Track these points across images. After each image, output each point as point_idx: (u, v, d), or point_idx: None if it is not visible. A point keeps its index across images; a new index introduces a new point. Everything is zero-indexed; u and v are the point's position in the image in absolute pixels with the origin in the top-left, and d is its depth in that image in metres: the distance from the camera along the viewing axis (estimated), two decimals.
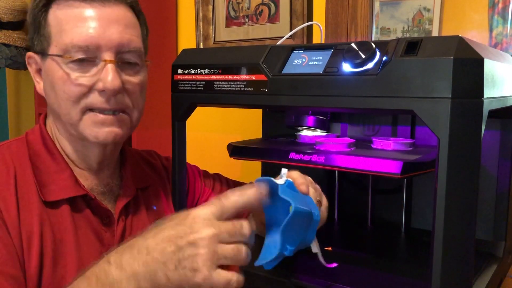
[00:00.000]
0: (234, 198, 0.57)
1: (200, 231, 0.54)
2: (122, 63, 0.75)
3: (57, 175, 0.76)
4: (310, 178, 0.71)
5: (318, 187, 0.72)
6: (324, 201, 0.73)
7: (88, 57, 0.72)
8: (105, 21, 0.73)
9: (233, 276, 0.55)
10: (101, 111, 0.74)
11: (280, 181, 0.62)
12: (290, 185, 0.63)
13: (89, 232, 0.76)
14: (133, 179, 0.86)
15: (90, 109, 0.74)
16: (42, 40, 0.75)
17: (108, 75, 0.72)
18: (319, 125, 0.94)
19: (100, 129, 0.74)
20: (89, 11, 0.73)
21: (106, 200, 0.81)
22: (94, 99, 0.73)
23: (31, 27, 0.77)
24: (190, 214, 0.56)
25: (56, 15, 0.74)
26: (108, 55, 0.72)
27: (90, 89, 0.73)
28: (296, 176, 0.66)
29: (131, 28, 0.76)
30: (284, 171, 0.64)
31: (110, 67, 0.72)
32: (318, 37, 1.34)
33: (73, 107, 0.73)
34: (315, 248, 0.67)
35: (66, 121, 0.75)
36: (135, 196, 0.84)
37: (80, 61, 0.72)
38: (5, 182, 0.72)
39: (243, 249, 0.56)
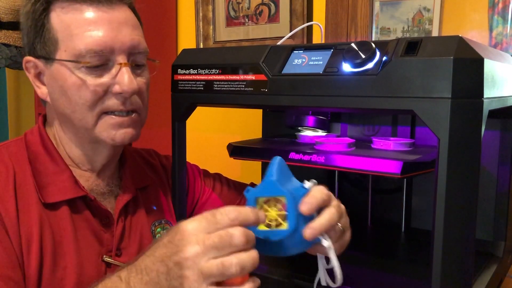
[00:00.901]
0: (228, 211, 0.52)
1: (185, 249, 0.51)
2: (133, 64, 0.75)
3: (56, 176, 0.76)
4: (343, 207, 0.65)
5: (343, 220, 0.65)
6: (346, 235, 0.66)
7: (102, 62, 0.72)
8: (115, 24, 0.73)
9: None
10: (116, 113, 0.74)
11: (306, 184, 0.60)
12: (300, 190, 0.59)
13: (88, 233, 0.76)
14: (133, 179, 0.86)
15: (105, 112, 0.74)
16: (49, 45, 0.74)
17: (124, 78, 0.72)
18: (319, 125, 0.94)
19: (117, 131, 0.75)
20: (98, 15, 0.72)
21: (106, 201, 0.81)
22: (111, 102, 0.73)
23: (30, 31, 0.75)
24: (180, 228, 0.52)
25: (61, 19, 0.73)
26: (122, 58, 0.73)
27: (105, 93, 0.73)
28: (317, 191, 0.60)
29: (137, 29, 0.77)
30: (310, 184, 0.60)
31: (125, 70, 0.73)
32: (318, 37, 1.34)
33: (89, 112, 0.73)
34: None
35: (80, 126, 0.75)
36: (135, 196, 0.84)
37: (93, 65, 0.72)
38: (4, 184, 0.72)
39: (233, 262, 0.50)
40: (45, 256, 0.71)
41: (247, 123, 1.51)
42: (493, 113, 0.62)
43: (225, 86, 0.78)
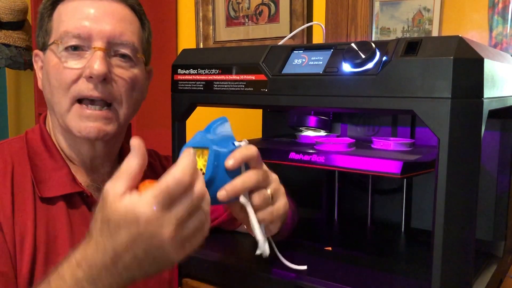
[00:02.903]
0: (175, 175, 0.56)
1: (161, 232, 0.52)
2: (115, 55, 0.76)
3: (55, 172, 0.77)
4: (265, 169, 0.64)
5: (271, 178, 0.65)
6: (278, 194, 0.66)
7: (79, 45, 0.74)
8: (100, 13, 0.75)
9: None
10: (89, 103, 0.75)
11: (236, 142, 0.63)
12: (228, 146, 0.61)
13: (84, 229, 0.76)
14: None
15: (79, 100, 0.75)
16: (44, 35, 0.78)
17: (95, 61, 0.73)
18: (321, 126, 0.93)
19: (84, 123, 0.75)
20: (87, 4, 0.76)
21: None
22: (83, 85, 0.74)
23: (37, 25, 0.80)
24: (134, 214, 0.52)
25: (59, 11, 0.77)
26: (98, 44, 0.74)
27: (79, 76, 0.74)
28: (245, 148, 0.61)
29: (126, 23, 0.78)
30: (241, 143, 0.62)
31: (98, 54, 0.73)
32: (318, 37, 1.34)
33: (64, 96, 0.75)
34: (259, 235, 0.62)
35: (57, 111, 0.76)
36: None
37: (73, 49, 0.74)
38: (1, 179, 0.73)
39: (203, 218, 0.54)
40: (38, 250, 0.72)
41: (247, 123, 1.50)
42: (493, 113, 0.62)
43: (225, 86, 0.78)
